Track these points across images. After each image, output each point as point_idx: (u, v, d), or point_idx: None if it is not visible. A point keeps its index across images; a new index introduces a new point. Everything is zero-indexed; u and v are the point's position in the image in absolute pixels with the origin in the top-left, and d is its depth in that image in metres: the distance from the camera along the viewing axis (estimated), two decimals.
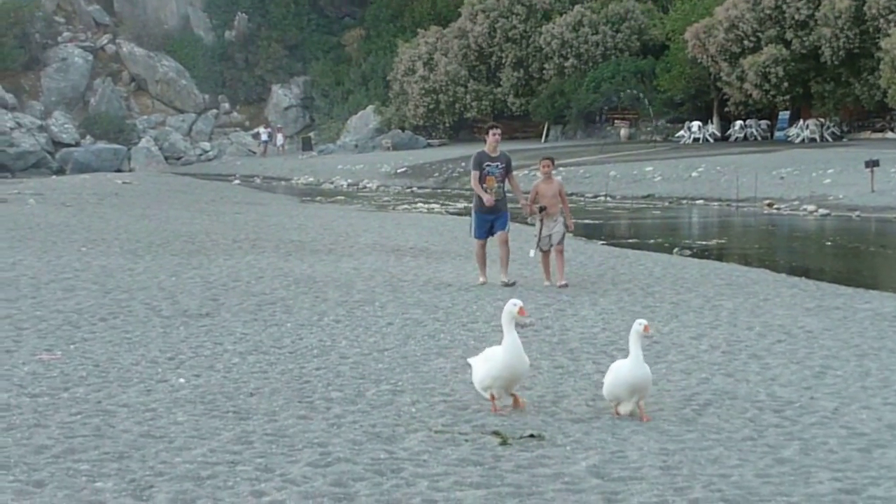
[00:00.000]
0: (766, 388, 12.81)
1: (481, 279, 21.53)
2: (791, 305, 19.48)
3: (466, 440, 10.33)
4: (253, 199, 53.87)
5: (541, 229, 21.55)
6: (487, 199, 21.01)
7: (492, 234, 21.51)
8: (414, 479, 9.11)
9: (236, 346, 14.86)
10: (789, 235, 39.33)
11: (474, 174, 21.35)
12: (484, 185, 21.20)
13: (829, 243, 35.24)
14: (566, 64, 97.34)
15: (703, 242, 35.02)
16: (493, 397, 11.39)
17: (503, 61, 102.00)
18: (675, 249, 31.70)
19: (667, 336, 16.06)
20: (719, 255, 31.25)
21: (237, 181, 77.00)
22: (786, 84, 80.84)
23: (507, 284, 21.14)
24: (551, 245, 21.46)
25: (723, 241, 35.86)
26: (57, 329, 15.74)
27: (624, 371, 11.11)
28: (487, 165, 21.25)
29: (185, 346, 14.74)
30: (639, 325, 11.08)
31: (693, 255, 30.38)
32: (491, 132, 21.77)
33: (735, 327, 16.91)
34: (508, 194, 21.86)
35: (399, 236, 32.42)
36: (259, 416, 11.11)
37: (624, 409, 11.20)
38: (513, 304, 11.43)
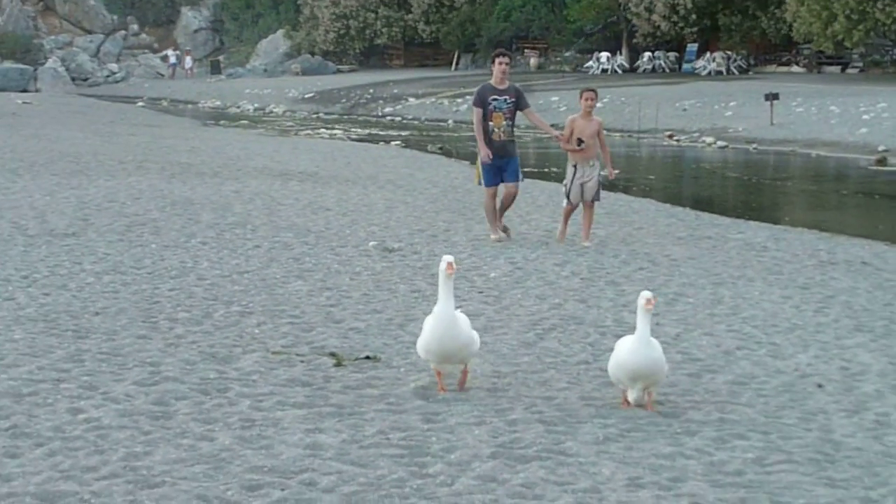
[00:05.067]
0: (616, 314, 12.92)
1: (493, 235, 18.12)
2: (663, 234, 19.61)
3: (302, 361, 10.34)
4: (153, 122, 53.34)
5: (573, 176, 17.98)
6: (485, 153, 17.73)
7: (503, 181, 18.08)
8: (238, 398, 9.11)
9: (95, 265, 14.74)
10: (683, 167, 39.61)
11: (476, 112, 17.86)
12: (490, 123, 17.74)
13: (721, 175, 35.52)
14: None
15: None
16: (438, 374, 9.59)
17: None
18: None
19: (531, 262, 16.13)
20: (608, 185, 31.28)
21: (142, 103, 76.18)
22: (693, 16, 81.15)
23: (500, 239, 18.01)
24: (582, 198, 17.93)
25: (616, 170, 35.90)
26: None
27: (623, 352, 9.11)
28: (494, 100, 17.69)
29: (42, 266, 14.59)
30: (642, 297, 8.99)
31: None
32: (497, 61, 17.80)
33: (601, 255, 17.00)
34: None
35: (291, 161, 32.24)
36: (98, 335, 11.04)
37: (630, 396, 9.18)
38: (443, 261, 9.38)
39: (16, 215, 18.63)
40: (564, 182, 18.22)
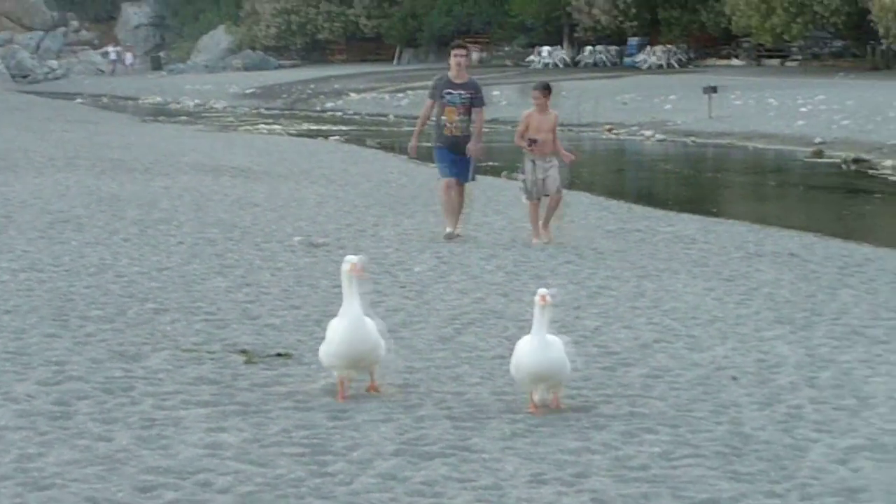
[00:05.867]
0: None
1: (448, 229, 17.35)
2: (593, 228, 19.56)
3: (212, 359, 10.17)
4: (89, 118, 52.86)
5: (534, 172, 17.31)
6: (412, 146, 17.42)
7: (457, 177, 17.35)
8: (141, 397, 8.94)
9: (11, 263, 14.49)
10: (621, 160, 39.67)
11: (427, 104, 17.42)
12: (443, 118, 17.15)
13: (657, 168, 35.55)
14: None
15: None
16: (341, 382, 9.12)
17: None
18: (504, 173, 31.62)
19: (457, 256, 16.01)
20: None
21: (80, 100, 75.58)
22: (634, 10, 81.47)
23: (451, 237, 17.29)
24: (545, 193, 17.29)
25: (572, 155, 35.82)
26: None
27: (520, 354, 8.77)
28: (448, 93, 17.04)
29: None
30: (537, 295, 8.72)
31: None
32: (453, 53, 17.28)
33: (528, 248, 16.88)
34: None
35: (225, 156, 32.03)
36: (6, 333, 10.82)
37: (536, 397, 8.84)
38: (346, 262, 8.91)
39: None
40: (522, 178, 17.54)
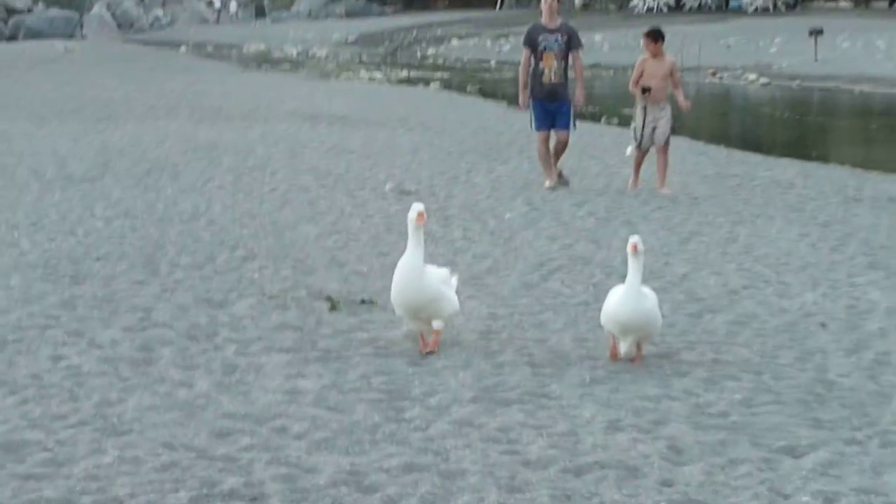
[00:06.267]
0: (624, 253, 12.65)
1: (547, 182, 17.00)
2: (689, 173, 19.31)
3: (297, 305, 10.21)
4: (192, 67, 53.17)
5: (644, 120, 16.93)
6: (522, 101, 16.95)
7: (554, 128, 16.96)
8: (224, 343, 9.01)
9: (106, 211, 14.67)
10: (723, 104, 39.17)
11: (525, 53, 16.93)
12: (541, 64, 16.72)
13: (760, 112, 35.09)
14: None
15: (632, 110, 34.60)
16: (419, 333, 9.02)
17: None
18: (604, 118, 31.40)
19: (549, 203, 15.92)
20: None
21: (184, 49, 75.99)
22: None
23: (553, 187, 16.92)
24: (653, 143, 16.94)
25: (688, 102, 35.48)
26: None
27: (611, 303, 8.64)
28: (544, 39, 16.66)
29: (53, 211, 14.55)
30: (629, 243, 8.59)
31: (617, 124, 30.04)
32: None
33: (621, 195, 16.76)
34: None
35: (324, 104, 32.06)
36: (96, 280, 10.96)
37: (622, 348, 8.70)
38: (412, 210, 8.62)
39: (35, 161, 18.60)
40: (633, 125, 17.19)
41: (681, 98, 17.04)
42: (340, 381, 8.12)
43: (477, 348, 8.99)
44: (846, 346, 9.19)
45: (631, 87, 17.07)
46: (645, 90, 16.78)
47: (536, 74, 16.87)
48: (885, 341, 9.35)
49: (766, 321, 9.92)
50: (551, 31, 16.73)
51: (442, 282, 8.89)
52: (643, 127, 16.91)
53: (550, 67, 16.69)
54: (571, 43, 16.79)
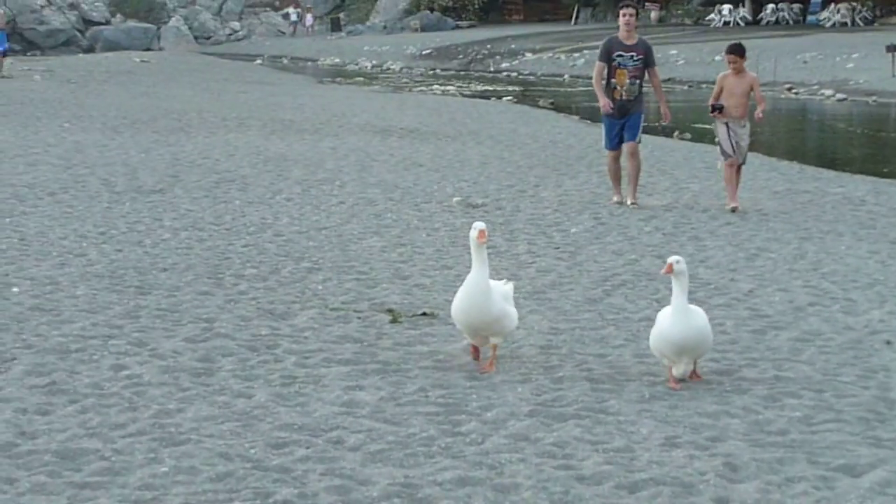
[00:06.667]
0: (691, 269, 12.45)
1: (615, 198, 16.99)
2: (760, 189, 19.17)
3: (358, 317, 10.24)
4: (267, 80, 53.51)
5: (728, 134, 16.66)
6: (605, 103, 16.67)
7: (622, 141, 16.93)
8: (284, 355, 9.04)
9: (174, 222, 14.78)
10: (798, 119, 38.82)
11: (598, 66, 16.87)
12: (613, 81, 16.68)
13: (835, 128, 34.78)
14: None
15: (704, 125, 34.38)
16: (473, 348, 9.06)
17: None
18: (676, 133, 31.25)
19: (616, 217, 15.87)
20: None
21: (259, 61, 76.50)
22: None
23: (621, 202, 16.94)
24: (743, 157, 16.78)
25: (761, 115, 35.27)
26: (0, 203, 15.67)
27: (663, 325, 8.47)
28: (619, 55, 16.61)
29: (122, 222, 14.67)
30: (668, 261, 8.54)
31: (691, 140, 29.89)
32: (622, 13, 16.76)
33: (690, 210, 16.68)
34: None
35: (395, 117, 32.14)
36: (160, 290, 11.04)
37: (676, 370, 8.50)
38: (474, 229, 8.57)
39: (107, 172, 18.76)
40: (717, 140, 16.93)
41: (759, 110, 16.75)
42: (398, 394, 8.13)
43: (537, 363, 8.97)
44: None
45: (711, 102, 16.86)
46: (714, 109, 16.60)
47: (608, 89, 16.77)
48: None
49: (830, 338, 9.83)
50: (627, 48, 16.65)
51: (504, 299, 8.79)
52: (729, 138, 16.64)
53: (622, 84, 16.65)
54: (647, 60, 16.68)
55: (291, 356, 8.99)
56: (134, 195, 16.68)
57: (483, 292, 8.55)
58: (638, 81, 16.71)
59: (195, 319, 10.00)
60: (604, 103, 16.71)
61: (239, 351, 9.10)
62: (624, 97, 16.68)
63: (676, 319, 8.35)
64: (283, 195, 17.16)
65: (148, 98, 35.86)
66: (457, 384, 8.39)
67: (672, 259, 8.46)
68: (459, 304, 8.65)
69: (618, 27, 17.06)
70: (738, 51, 16.78)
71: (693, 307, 8.56)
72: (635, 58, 16.61)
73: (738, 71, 16.67)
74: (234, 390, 8.13)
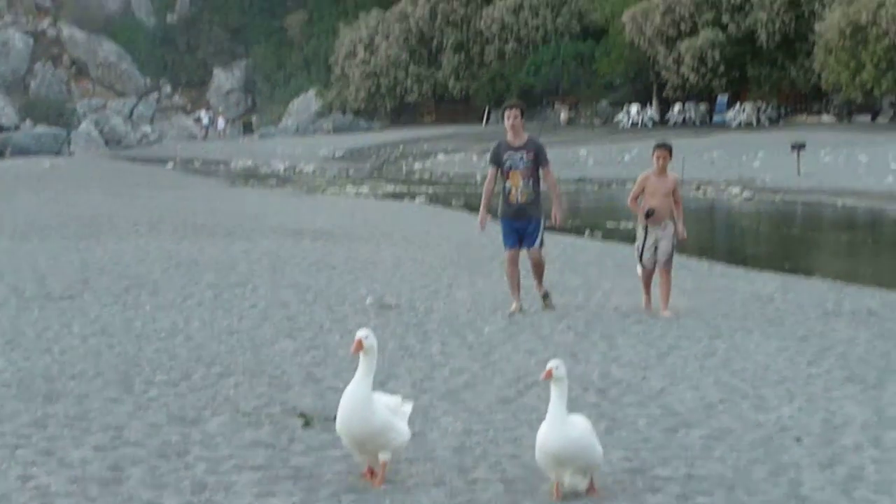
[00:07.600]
0: (603, 368, 12.68)
1: (513, 305, 16.33)
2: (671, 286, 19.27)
3: (271, 422, 10.16)
4: (178, 183, 53.41)
5: (644, 238, 16.48)
6: (481, 218, 16.44)
7: (523, 247, 16.44)
8: (195, 461, 8.94)
9: (84, 328, 14.64)
10: (706, 218, 39.34)
11: (490, 171, 16.39)
12: (508, 184, 16.20)
13: (742, 225, 35.26)
14: (506, 47, 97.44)
15: (615, 224, 34.71)
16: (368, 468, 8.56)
17: (444, 45, 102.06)
18: (587, 232, 31.54)
19: (529, 317, 15.92)
20: (627, 236, 31.08)
21: (171, 165, 76.38)
22: (722, 67, 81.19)
23: (547, 299, 16.63)
24: (655, 262, 16.47)
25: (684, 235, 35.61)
26: None
27: (540, 436, 8.07)
28: (509, 157, 16.11)
29: (30, 329, 14.50)
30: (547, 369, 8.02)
31: (602, 239, 30.14)
32: (506, 115, 16.34)
33: (602, 308, 16.77)
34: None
35: (309, 219, 32.20)
36: (69, 398, 10.91)
37: (565, 481, 8.06)
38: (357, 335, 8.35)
39: (15, 279, 18.59)
40: (636, 244, 16.67)
41: (679, 225, 16.44)
42: (310, 500, 8.06)
43: (450, 465, 8.94)
44: (821, 461, 9.15)
45: (630, 202, 16.60)
46: (648, 214, 16.25)
47: (504, 193, 16.39)
48: (859, 456, 9.30)
49: (741, 436, 9.88)
50: (516, 149, 16.10)
51: (391, 411, 8.33)
52: (644, 245, 16.44)
53: (517, 186, 16.12)
54: (539, 159, 16.13)
55: (202, 462, 8.89)
56: (42, 302, 16.53)
57: (362, 401, 8.10)
58: (533, 181, 16.16)
59: (104, 427, 9.88)
60: (480, 219, 16.44)
61: (148, 458, 8.99)
62: (520, 200, 16.18)
63: (552, 429, 7.93)
64: (194, 299, 17.07)
65: (58, 203, 35.68)
66: (370, 489, 8.33)
67: (552, 364, 7.96)
68: (340, 413, 8.21)
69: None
70: (669, 147, 16.54)
71: (573, 416, 8.15)
72: (525, 158, 16.05)
73: (662, 170, 16.33)
74: (142, 499, 8.02)
